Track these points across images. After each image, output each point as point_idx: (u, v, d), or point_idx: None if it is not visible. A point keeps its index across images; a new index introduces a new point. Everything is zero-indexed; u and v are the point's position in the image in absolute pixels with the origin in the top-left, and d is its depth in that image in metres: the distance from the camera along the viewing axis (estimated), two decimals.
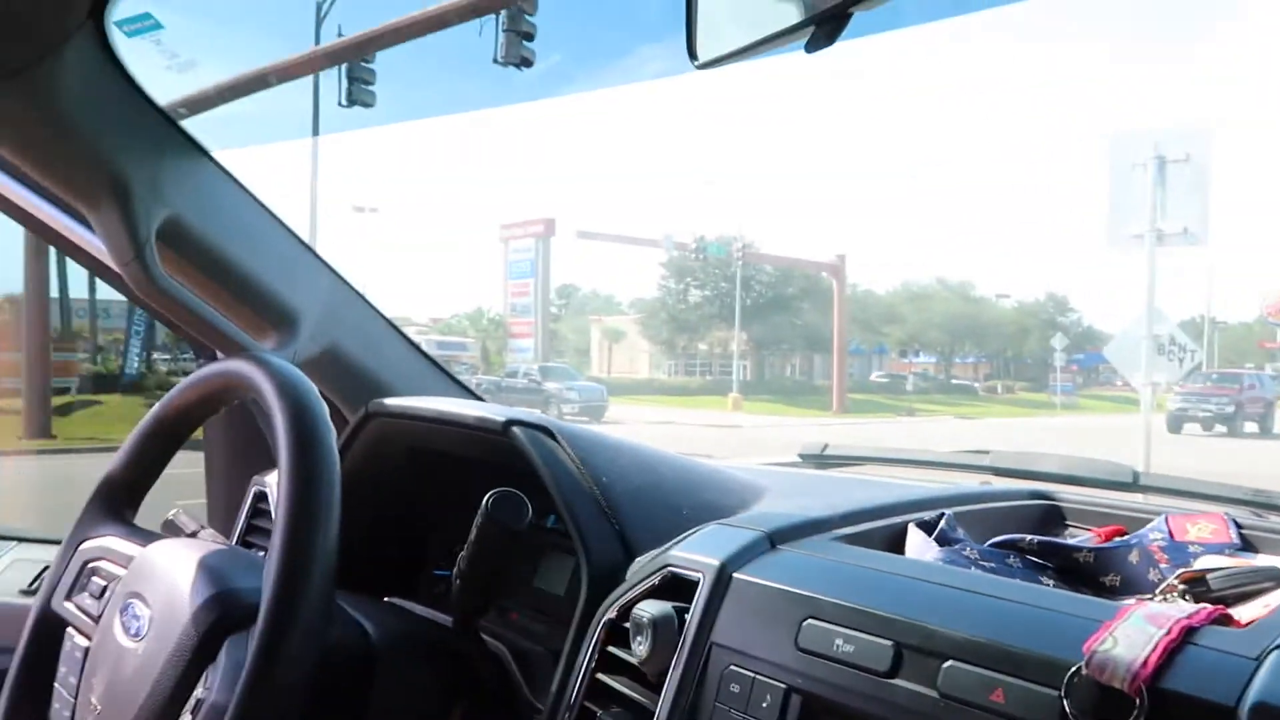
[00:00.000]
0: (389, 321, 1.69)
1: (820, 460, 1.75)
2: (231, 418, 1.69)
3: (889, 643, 0.82)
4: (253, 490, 1.52)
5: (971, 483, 1.46)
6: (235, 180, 1.46)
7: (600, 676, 1.01)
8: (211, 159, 1.42)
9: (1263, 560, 1.05)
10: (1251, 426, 22.66)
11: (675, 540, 1.07)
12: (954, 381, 52.76)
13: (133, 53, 1.27)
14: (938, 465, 1.65)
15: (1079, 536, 1.22)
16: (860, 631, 0.84)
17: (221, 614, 0.96)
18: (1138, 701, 0.68)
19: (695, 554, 1.00)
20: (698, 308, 44.29)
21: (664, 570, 1.01)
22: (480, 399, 1.63)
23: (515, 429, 1.19)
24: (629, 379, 42.55)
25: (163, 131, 1.34)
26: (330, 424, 1.00)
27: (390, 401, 1.39)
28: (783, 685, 0.87)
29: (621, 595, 1.03)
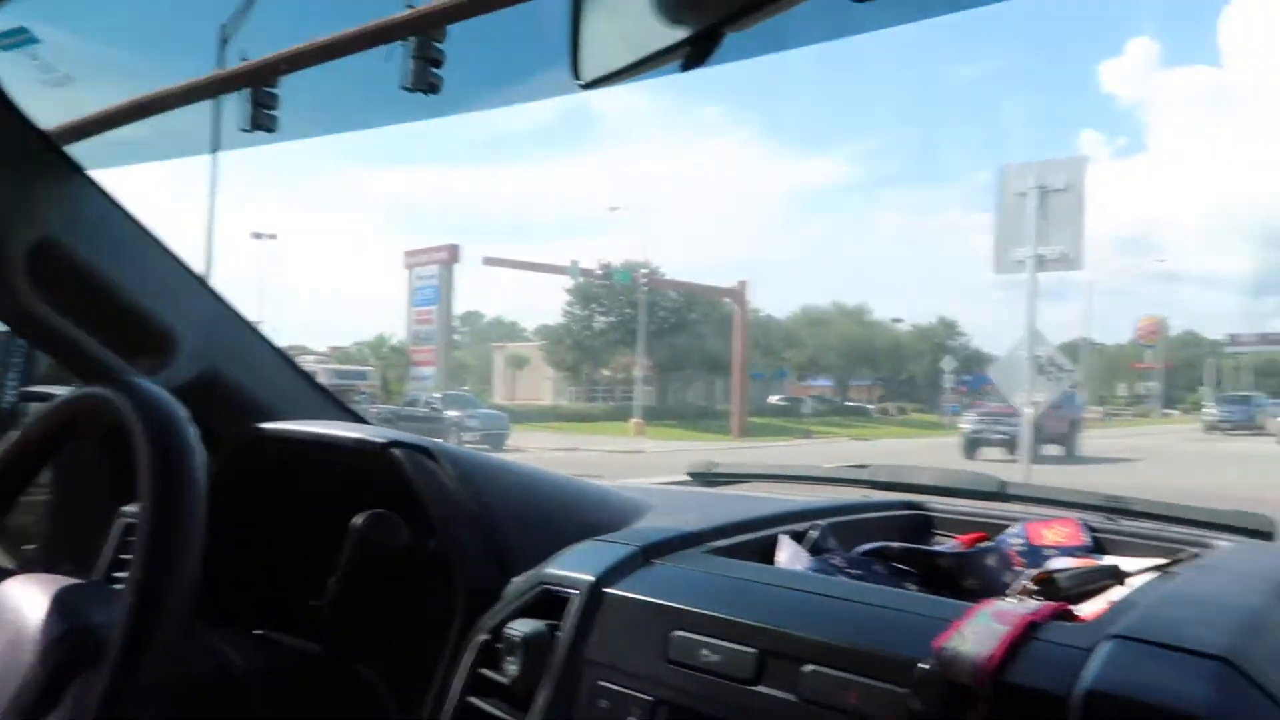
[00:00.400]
0: (275, 347, 1.64)
1: (708, 478, 1.77)
2: (90, 446, 1.61)
3: (753, 650, 0.83)
4: (122, 522, 1.45)
5: (852, 496, 1.50)
6: (115, 202, 1.40)
7: (471, 699, 0.99)
8: (89, 179, 1.37)
9: (1110, 561, 1.11)
10: (1053, 449, 20.12)
11: (552, 558, 1.07)
12: (850, 404, 54.17)
13: (6, 70, 1.22)
14: (820, 480, 1.69)
15: (945, 544, 1.26)
16: (726, 641, 0.85)
17: (72, 650, 0.91)
18: (983, 694, 0.71)
19: (569, 571, 1.00)
20: (602, 334, 44.41)
21: (538, 588, 1.00)
22: (367, 424, 1.60)
23: (394, 450, 1.17)
24: (532, 406, 42.27)
25: (36, 150, 1.29)
26: (197, 449, 0.97)
27: (269, 426, 1.35)
28: (650, 698, 0.87)
29: (495, 615, 1.02)
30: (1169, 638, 0.72)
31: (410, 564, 1.24)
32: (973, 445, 19.86)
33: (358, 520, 1.07)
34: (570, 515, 1.19)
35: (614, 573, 0.98)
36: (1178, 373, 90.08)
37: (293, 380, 1.65)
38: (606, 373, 47.00)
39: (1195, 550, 1.08)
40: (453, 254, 38.19)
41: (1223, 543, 1.14)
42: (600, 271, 32.76)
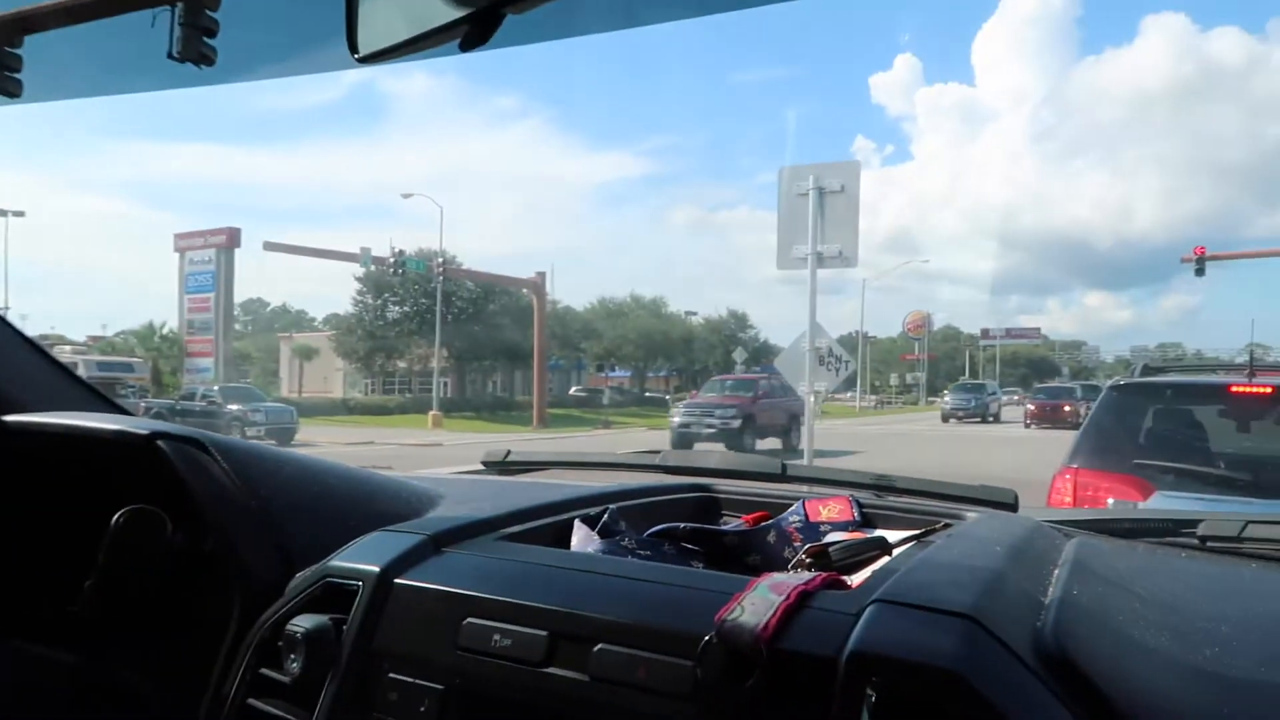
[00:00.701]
0: (21, 335, 1.48)
1: (503, 466, 1.76)
2: None
3: (544, 633, 0.84)
4: None
5: (644, 481, 1.54)
6: None
7: (251, 701, 0.95)
8: None
9: (879, 533, 1.20)
10: (771, 442, 18.95)
11: (338, 551, 1.03)
12: (647, 395, 55.50)
13: None
14: (613, 466, 1.72)
15: (731, 523, 1.32)
16: (517, 625, 0.86)
17: None
18: (760, 661, 0.75)
19: (355, 562, 0.97)
20: (397, 324, 43.13)
21: (322, 581, 0.97)
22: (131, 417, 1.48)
23: (160, 443, 1.09)
24: (323, 399, 40.50)
25: None
26: None
27: (11, 419, 1.23)
28: (442, 687, 0.86)
29: (276, 612, 0.97)
30: (923, 599, 0.78)
31: (187, 563, 1.16)
32: (682, 438, 18.05)
33: (117, 519, 0.99)
34: (359, 507, 1.16)
35: (402, 562, 0.96)
36: (941, 363, 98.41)
37: (43, 371, 1.50)
38: (402, 364, 45.76)
39: (949, 521, 1.18)
40: (232, 238, 35.82)
41: (972, 514, 1.25)
42: (393, 260, 31.71)
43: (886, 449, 20.87)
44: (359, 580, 0.95)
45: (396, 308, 43.47)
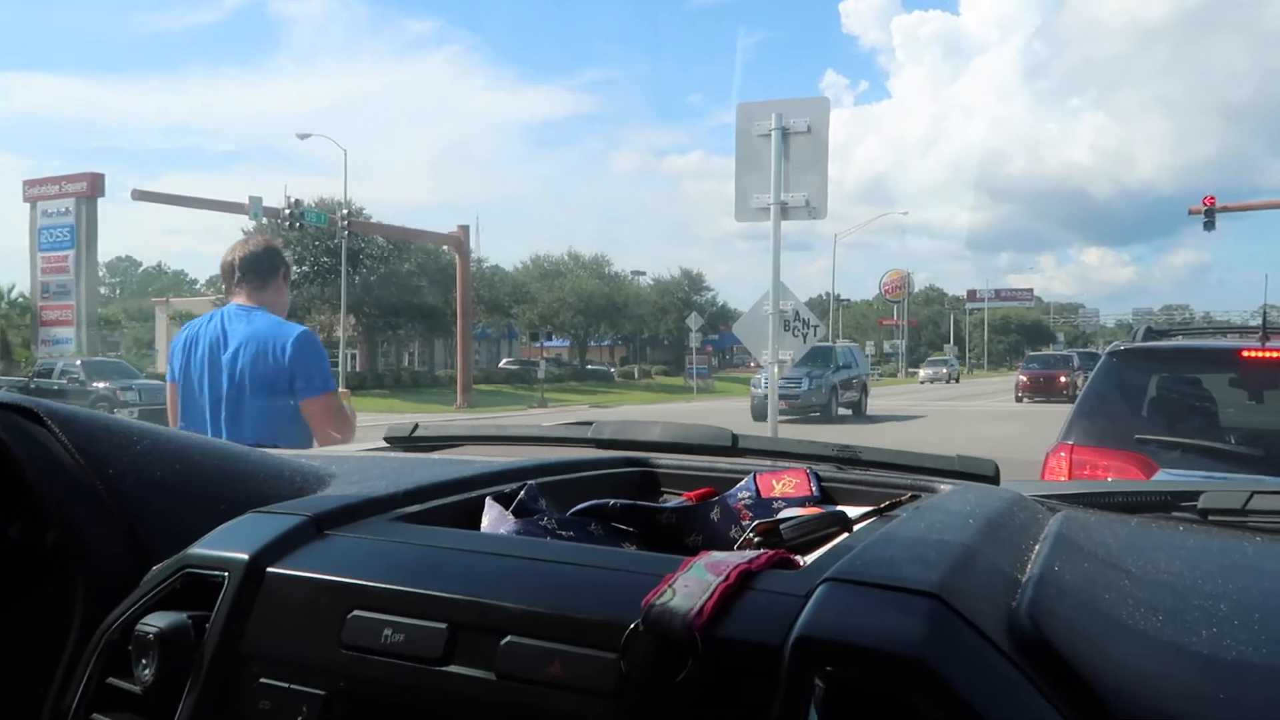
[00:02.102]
0: None
1: (409, 442, 1.74)
2: None
3: (443, 626, 0.83)
4: None
5: (574, 456, 1.53)
6: None
7: (96, 717, 0.92)
8: None
9: (839, 509, 1.20)
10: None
11: (203, 537, 1.01)
12: (590, 367, 55.52)
13: None
14: (537, 440, 1.72)
15: (671, 501, 1.31)
16: (412, 617, 0.84)
17: None
18: (694, 650, 0.74)
19: (221, 550, 0.95)
20: (295, 287, 42.30)
21: (181, 573, 0.94)
22: None
23: None
24: None
25: None
26: None
27: None
28: (323, 692, 0.84)
29: (126, 610, 0.94)
30: (881, 577, 0.78)
31: (16, 555, 1.12)
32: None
33: None
34: (229, 487, 1.13)
35: (277, 548, 0.94)
36: (922, 329, 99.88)
37: None
38: None
39: (918, 494, 1.19)
40: (94, 185, 34.75)
41: (945, 487, 1.26)
42: (289, 211, 31.12)
43: (858, 426, 21.18)
44: (224, 570, 0.93)
45: (294, 268, 42.75)
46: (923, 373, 58.59)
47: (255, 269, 3.19)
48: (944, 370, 57.09)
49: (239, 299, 3.17)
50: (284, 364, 3.01)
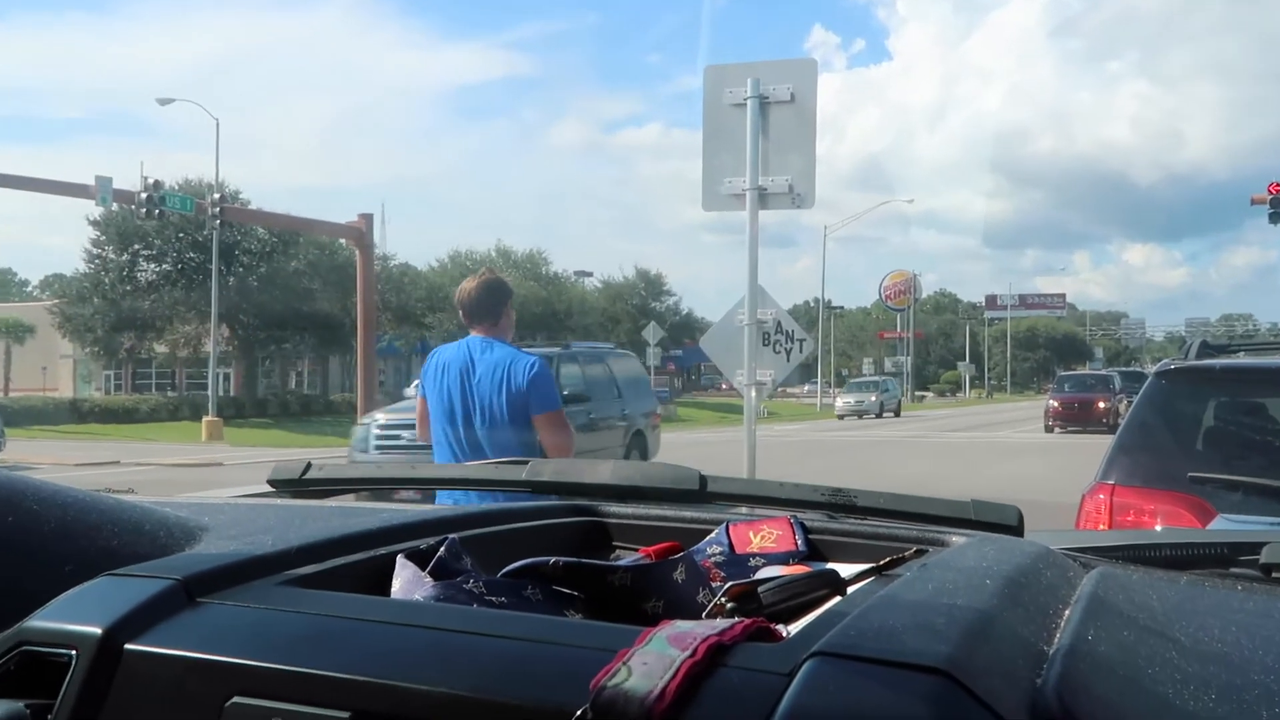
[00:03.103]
0: None
1: (300, 486, 1.74)
2: None
3: (345, 715, 0.84)
4: None
5: (505, 503, 1.54)
6: None
7: None
8: None
9: (830, 567, 1.22)
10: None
11: (45, 606, 1.00)
12: None
13: None
14: (459, 483, 1.73)
15: (625, 558, 1.32)
16: (307, 704, 0.85)
17: None
18: None
19: (66, 621, 0.95)
20: (154, 290, 41.97)
21: (16, 651, 0.94)
22: None
23: None
24: (43, 399, 39.25)
25: None
26: None
27: None
28: None
29: None
30: (881, 651, 0.80)
31: None
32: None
33: None
34: (76, 543, 1.13)
35: (138, 619, 0.94)
36: (932, 343, 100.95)
37: None
38: (162, 348, 44.65)
39: (924, 548, 1.21)
40: None
41: (959, 539, 1.29)
42: (146, 195, 30.75)
43: (856, 463, 21.34)
44: (71, 647, 0.92)
45: (153, 266, 42.33)
46: (840, 402, 50.41)
47: (487, 308, 4.76)
48: (873, 398, 48.88)
49: (479, 332, 4.77)
50: (523, 387, 4.58)
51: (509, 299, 4.91)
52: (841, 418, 46.14)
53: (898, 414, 48.30)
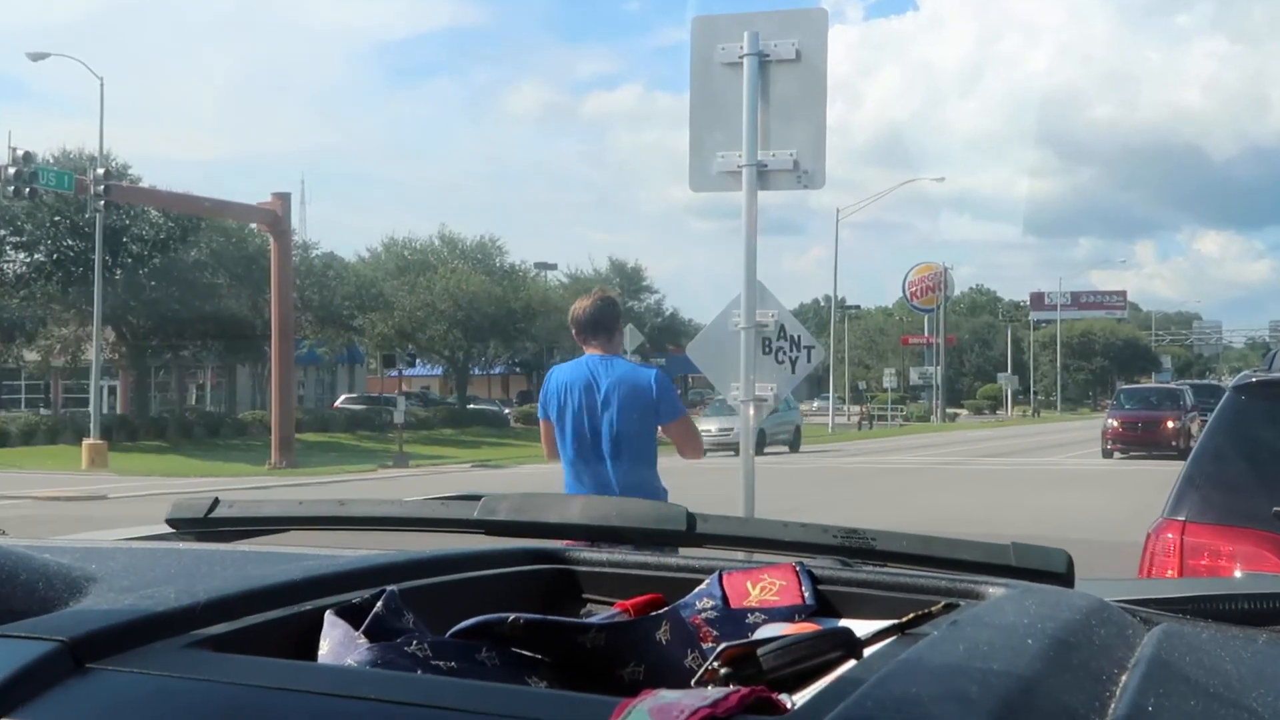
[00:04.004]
0: None
1: (205, 527, 1.74)
2: None
3: None
4: None
5: (453, 547, 1.54)
6: None
7: None
8: None
9: (842, 624, 1.23)
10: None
11: None
12: (473, 406, 55.29)
13: None
14: (398, 523, 1.72)
15: (599, 614, 1.33)
16: None
17: None
18: None
19: None
20: (23, 285, 41.70)
21: None
22: None
23: None
24: None
25: None
26: None
27: None
28: None
29: None
30: None
31: None
32: None
33: None
34: None
35: (14, 690, 0.94)
36: (966, 350, 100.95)
37: None
38: (34, 356, 44.44)
39: (955, 601, 1.22)
40: None
41: (996, 589, 1.30)
42: (15, 170, 30.63)
43: (875, 496, 21.36)
44: None
45: (22, 256, 42.07)
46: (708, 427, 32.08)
47: (602, 326, 5.82)
48: (729, 428, 30.06)
49: (594, 349, 5.82)
50: (652, 399, 5.71)
51: (621, 316, 6.14)
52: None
53: (794, 448, 39.35)
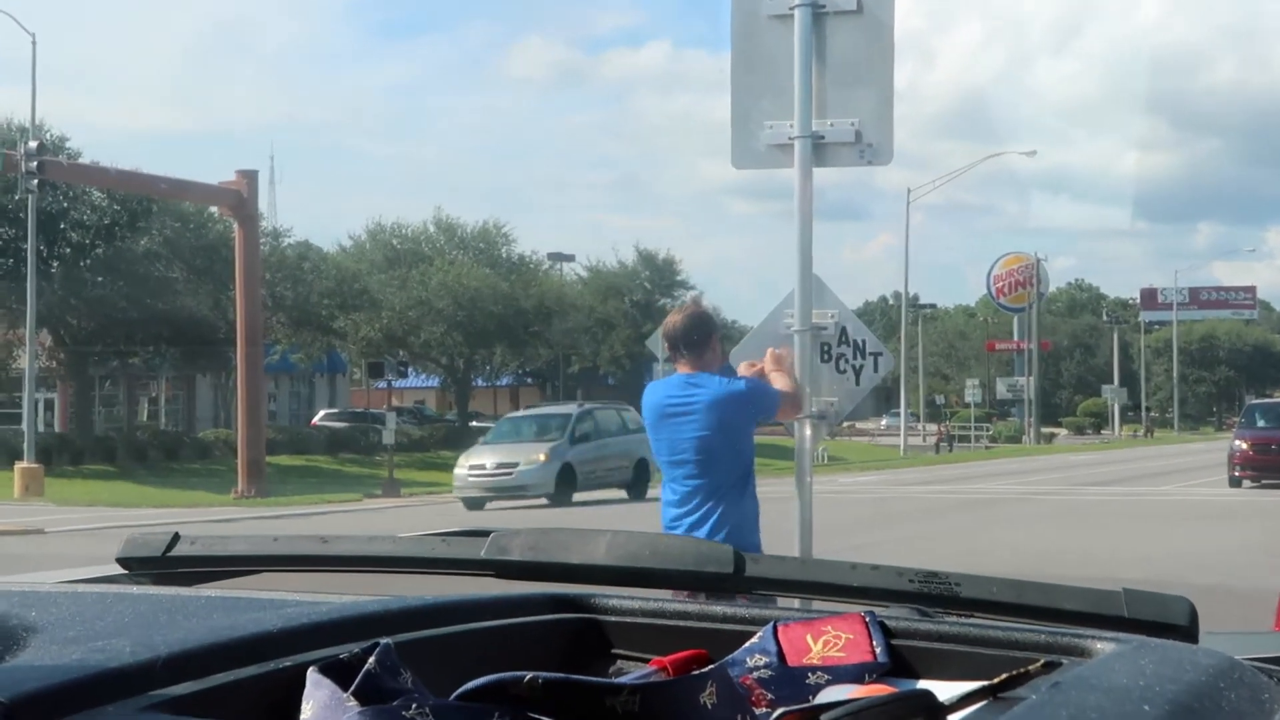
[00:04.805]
0: None
1: (163, 566, 1.75)
2: None
3: None
4: None
5: (458, 592, 1.55)
6: None
7: None
8: None
9: (921, 686, 1.23)
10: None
11: None
12: (476, 424, 55.10)
13: None
14: (391, 564, 1.73)
15: (631, 672, 1.34)
16: None
17: None
18: None
19: None
20: None
21: None
22: None
23: None
24: None
25: None
26: None
27: None
28: None
29: None
30: None
31: None
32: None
33: None
34: None
35: None
36: (1064, 356, 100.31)
37: None
38: None
39: (1056, 660, 1.22)
40: None
41: (1104, 644, 1.30)
42: None
43: (957, 531, 21.30)
44: None
45: None
46: (464, 470, 30.05)
47: (692, 341, 6.40)
48: (538, 456, 31.04)
49: (684, 366, 6.45)
50: (747, 407, 6.50)
51: (716, 331, 6.72)
52: (470, 501, 30.73)
53: (635, 491, 32.92)
